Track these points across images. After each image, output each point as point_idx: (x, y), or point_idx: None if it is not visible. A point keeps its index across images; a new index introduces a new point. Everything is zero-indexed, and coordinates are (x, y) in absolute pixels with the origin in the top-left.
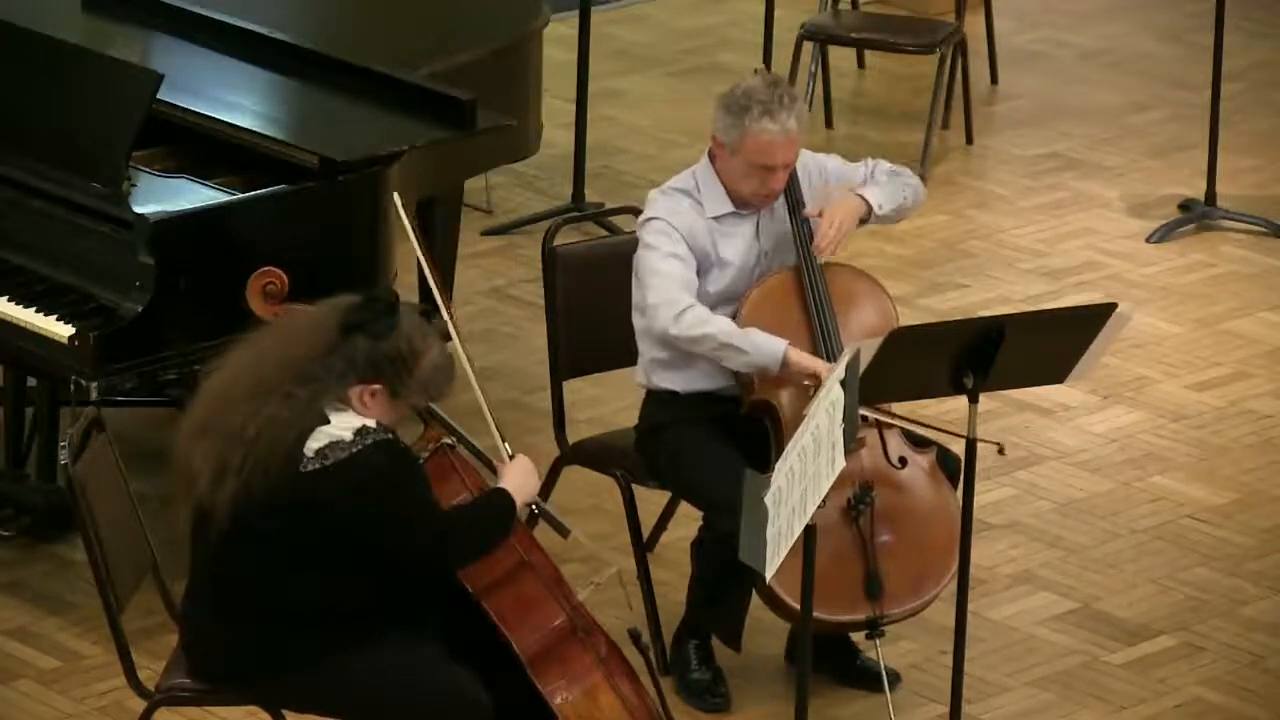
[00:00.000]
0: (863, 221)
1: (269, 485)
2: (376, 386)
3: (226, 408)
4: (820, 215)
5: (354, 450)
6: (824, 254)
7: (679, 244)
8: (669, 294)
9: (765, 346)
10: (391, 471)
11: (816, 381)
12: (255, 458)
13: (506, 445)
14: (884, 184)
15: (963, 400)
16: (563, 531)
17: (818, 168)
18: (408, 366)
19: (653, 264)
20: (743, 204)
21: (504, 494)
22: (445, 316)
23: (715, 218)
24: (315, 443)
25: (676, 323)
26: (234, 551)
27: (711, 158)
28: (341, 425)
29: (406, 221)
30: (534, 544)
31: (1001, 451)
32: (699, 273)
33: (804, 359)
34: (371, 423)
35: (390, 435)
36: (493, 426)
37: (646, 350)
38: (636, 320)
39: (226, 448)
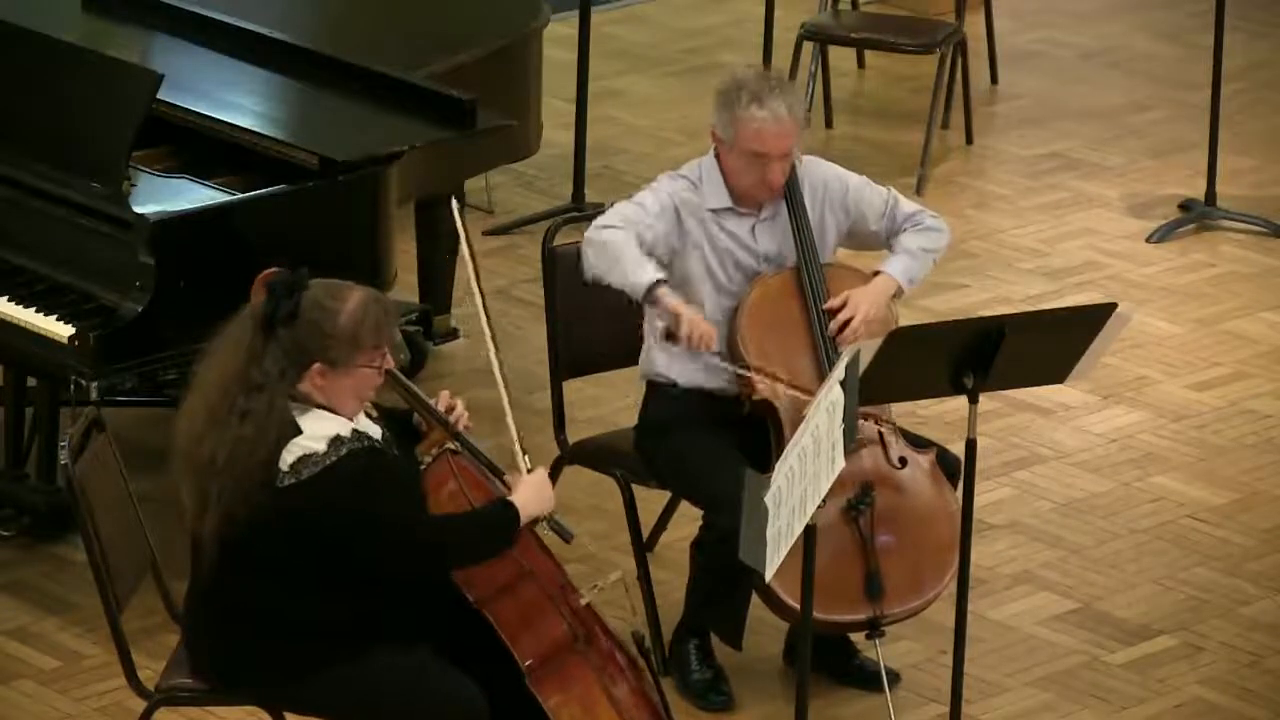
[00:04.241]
0: (894, 297)
1: (249, 507)
2: (315, 366)
3: (196, 442)
4: (843, 306)
5: (328, 462)
6: (845, 342)
7: (655, 205)
8: (614, 214)
9: (637, 271)
10: (366, 481)
11: (677, 323)
12: (230, 485)
13: (526, 458)
14: (915, 253)
15: (963, 400)
16: (566, 537)
17: (838, 179)
18: (326, 330)
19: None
20: (746, 200)
21: (509, 507)
22: (484, 326)
23: (713, 210)
24: (290, 455)
25: (597, 228)
26: (228, 571)
27: (717, 156)
28: (314, 434)
29: (464, 238)
30: (538, 551)
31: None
32: (685, 261)
33: (669, 298)
34: (346, 430)
35: (365, 443)
36: (514, 436)
37: (649, 335)
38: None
39: (204, 480)
